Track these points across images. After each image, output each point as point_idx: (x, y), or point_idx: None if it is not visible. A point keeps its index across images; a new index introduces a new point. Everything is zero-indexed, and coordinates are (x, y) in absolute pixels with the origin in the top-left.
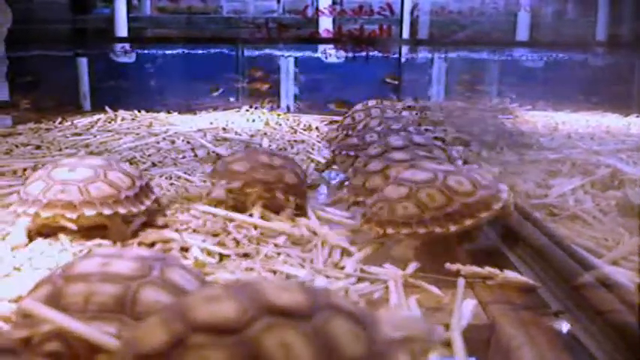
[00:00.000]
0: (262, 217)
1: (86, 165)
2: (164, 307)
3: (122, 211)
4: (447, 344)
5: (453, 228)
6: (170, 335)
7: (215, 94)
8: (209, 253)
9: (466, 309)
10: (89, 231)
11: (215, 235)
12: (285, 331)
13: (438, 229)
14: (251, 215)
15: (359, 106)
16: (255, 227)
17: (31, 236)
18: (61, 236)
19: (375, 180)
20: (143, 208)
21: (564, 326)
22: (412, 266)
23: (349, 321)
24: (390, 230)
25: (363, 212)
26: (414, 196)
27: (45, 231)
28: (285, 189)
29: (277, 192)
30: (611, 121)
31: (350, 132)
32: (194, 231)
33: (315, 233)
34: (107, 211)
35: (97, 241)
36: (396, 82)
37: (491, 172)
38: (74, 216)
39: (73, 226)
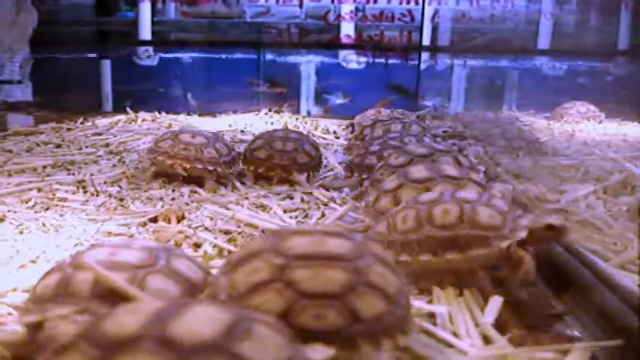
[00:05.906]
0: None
1: (201, 135)
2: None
3: (219, 170)
4: None
5: (403, 257)
6: (347, 275)
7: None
8: (220, 251)
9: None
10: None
11: (227, 232)
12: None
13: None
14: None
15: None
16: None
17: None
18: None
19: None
20: (231, 171)
21: (567, 328)
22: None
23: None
24: None
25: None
26: (391, 215)
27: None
28: (299, 167)
29: (294, 172)
30: (629, 130)
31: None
32: (206, 229)
33: None
34: (210, 168)
35: (193, 187)
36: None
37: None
38: (187, 166)
39: (183, 173)
